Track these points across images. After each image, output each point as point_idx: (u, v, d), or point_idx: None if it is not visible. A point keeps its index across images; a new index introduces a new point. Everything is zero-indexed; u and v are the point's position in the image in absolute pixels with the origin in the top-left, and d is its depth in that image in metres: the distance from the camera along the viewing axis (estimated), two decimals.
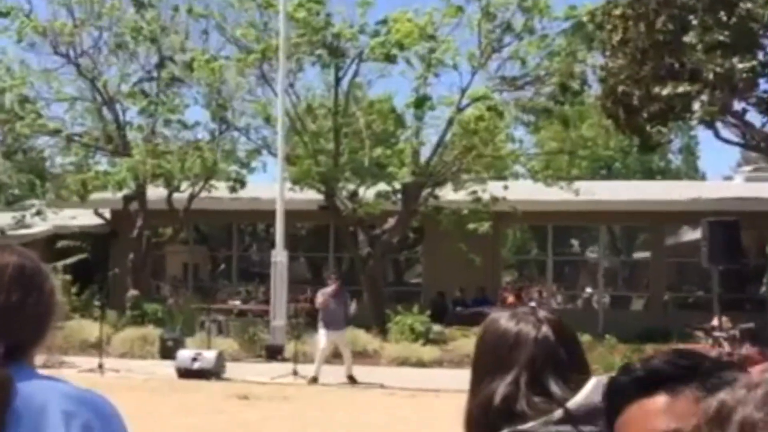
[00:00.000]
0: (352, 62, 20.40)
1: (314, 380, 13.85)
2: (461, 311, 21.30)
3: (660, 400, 1.14)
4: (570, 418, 1.70)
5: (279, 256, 17.57)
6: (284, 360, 15.70)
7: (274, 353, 16.42)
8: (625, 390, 1.18)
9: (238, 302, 22.99)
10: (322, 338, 14.17)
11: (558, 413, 1.71)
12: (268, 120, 21.09)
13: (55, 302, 1.70)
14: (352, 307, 17.24)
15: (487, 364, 1.84)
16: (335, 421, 10.70)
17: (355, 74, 20.64)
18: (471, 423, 1.82)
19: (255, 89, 21.59)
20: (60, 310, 1.73)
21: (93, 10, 22.13)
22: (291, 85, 20.53)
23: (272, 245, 18.46)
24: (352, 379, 14.02)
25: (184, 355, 14.53)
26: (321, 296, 14.40)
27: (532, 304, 19.91)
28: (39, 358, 1.71)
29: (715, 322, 12.24)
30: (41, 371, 1.67)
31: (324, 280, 22.24)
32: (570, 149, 22.06)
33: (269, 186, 20.30)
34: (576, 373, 1.80)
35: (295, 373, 13.90)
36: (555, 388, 1.75)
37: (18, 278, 1.64)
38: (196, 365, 14.08)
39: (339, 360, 14.40)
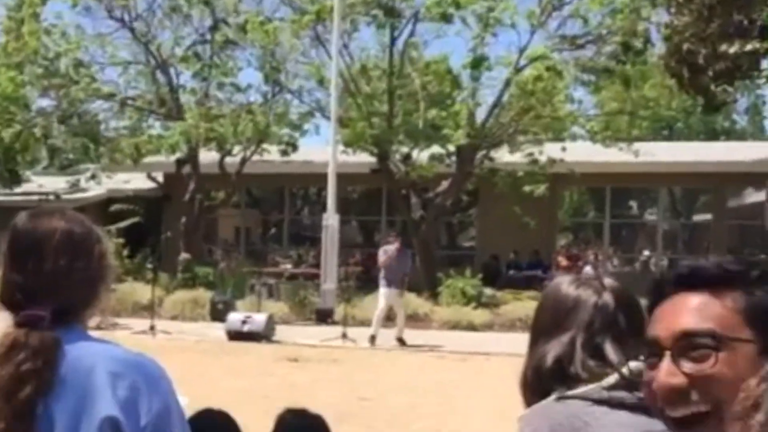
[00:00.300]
0: (408, 22, 20.18)
1: (373, 339, 13.84)
2: (514, 275, 21.14)
3: (698, 298, 1.11)
4: (625, 383, 1.64)
5: (330, 219, 17.54)
6: (334, 323, 15.71)
7: (323, 316, 16.44)
8: (666, 285, 1.16)
9: (288, 266, 23.10)
10: (382, 297, 14.13)
11: (612, 378, 1.66)
12: (321, 82, 20.97)
13: (107, 265, 1.75)
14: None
15: (544, 326, 1.82)
16: (385, 383, 10.67)
17: (411, 34, 20.42)
18: (525, 385, 1.80)
19: (309, 51, 21.52)
20: (112, 273, 1.77)
21: None
22: (345, 47, 20.36)
23: (324, 209, 18.43)
24: (401, 342, 13.98)
25: (235, 317, 14.60)
26: (383, 254, 14.27)
27: (588, 267, 19.66)
28: (92, 321, 1.76)
29: None
30: (93, 333, 1.72)
31: (376, 243, 22.36)
32: (631, 110, 21.53)
33: (322, 149, 20.27)
34: (636, 340, 1.68)
35: (344, 336, 13.88)
36: (611, 353, 1.72)
37: (66, 243, 1.68)
38: (246, 328, 14.15)
39: (390, 323, 14.35)
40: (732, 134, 40.91)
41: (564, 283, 1.87)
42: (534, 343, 1.82)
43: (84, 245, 1.70)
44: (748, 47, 16.26)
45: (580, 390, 1.67)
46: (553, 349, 1.76)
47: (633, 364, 1.65)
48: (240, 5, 22.06)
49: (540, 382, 1.75)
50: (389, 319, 14.34)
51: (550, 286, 1.93)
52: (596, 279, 1.87)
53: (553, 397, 1.70)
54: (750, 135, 41.83)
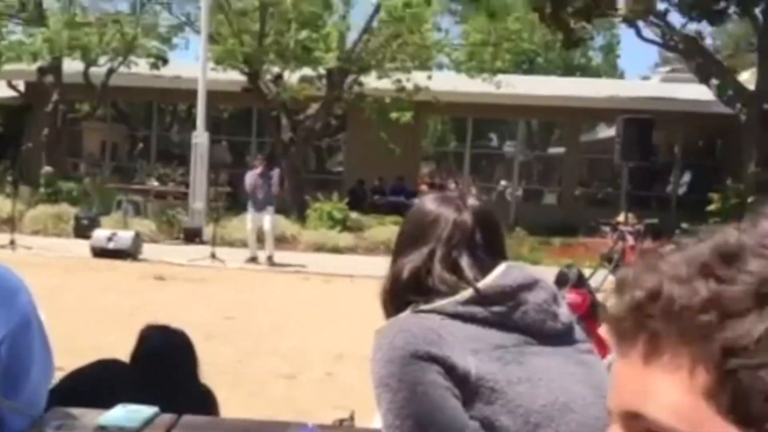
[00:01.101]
0: None
1: (253, 260, 14.01)
2: (379, 200, 21.34)
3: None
4: (479, 298, 1.68)
5: (200, 137, 17.15)
6: (202, 243, 15.52)
7: (192, 236, 16.19)
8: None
9: (156, 183, 22.57)
10: (248, 220, 14.22)
11: (467, 293, 1.69)
12: None
13: None
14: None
15: (405, 241, 1.83)
16: (252, 303, 10.69)
17: None
18: (385, 298, 1.80)
19: None
20: None
21: None
22: None
23: (193, 126, 17.99)
24: (271, 261, 14.07)
25: (100, 234, 14.20)
26: (248, 178, 14.26)
27: None
28: None
29: (621, 217, 12.53)
30: None
31: (246, 163, 22.09)
32: (494, 41, 21.79)
33: (192, 65, 19.67)
34: (492, 259, 1.77)
35: (212, 256, 13.74)
36: (467, 268, 1.73)
37: None
38: (112, 245, 13.80)
39: (259, 245, 14.36)
40: (588, 71, 42.06)
41: (427, 200, 1.88)
42: (395, 258, 1.83)
43: None
44: None
45: (436, 304, 1.68)
46: (411, 262, 1.76)
47: (486, 280, 1.71)
48: None
49: (399, 295, 1.76)
50: (260, 240, 14.34)
51: (415, 204, 1.93)
52: (458, 198, 1.87)
53: (409, 310, 1.71)
54: (604, 72, 43.17)
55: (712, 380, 0.60)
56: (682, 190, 24.02)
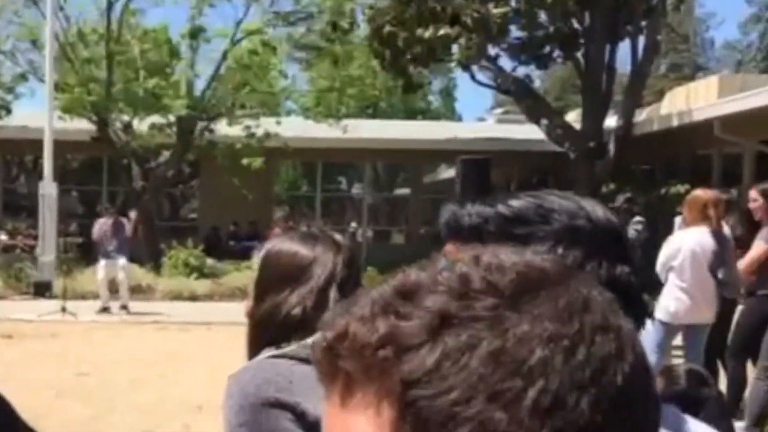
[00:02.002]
0: None
1: (105, 310, 13.41)
2: (234, 245, 20.92)
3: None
4: None
5: (48, 188, 16.31)
6: (53, 297, 14.66)
7: (42, 290, 15.27)
8: None
9: (3, 236, 21.28)
10: (99, 269, 13.62)
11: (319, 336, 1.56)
12: (35, 43, 19.39)
13: None
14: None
15: (271, 282, 1.78)
16: (106, 357, 10.10)
17: (129, 0, 19.36)
18: (254, 337, 1.77)
19: (22, 10, 19.75)
20: None
21: None
22: (61, 8, 18.93)
23: (41, 177, 17.09)
24: (125, 310, 13.55)
25: None
26: (97, 227, 13.79)
27: None
28: None
29: None
30: None
31: (98, 213, 21.13)
32: (339, 87, 21.92)
33: (38, 114, 18.73)
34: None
35: (63, 310, 12.97)
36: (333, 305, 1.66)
37: None
38: None
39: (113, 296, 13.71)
40: (428, 114, 43.01)
41: (292, 240, 1.83)
42: (262, 298, 1.77)
43: None
44: (441, 32, 16.98)
45: (288, 348, 1.65)
46: (280, 303, 1.72)
47: None
48: None
49: (271, 331, 1.72)
50: (114, 291, 13.72)
51: (277, 243, 1.86)
52: (325, 235, 1.85)
53: (263, 355, 1.69)
54: (443, 115, 44.26)
55: (396, 414, 0.59)
56: None
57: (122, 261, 13.61)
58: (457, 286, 0.62)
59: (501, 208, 1.13)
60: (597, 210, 1.11)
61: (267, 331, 1.73)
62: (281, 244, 1.84)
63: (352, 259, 1.82)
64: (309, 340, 1.61)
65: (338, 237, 1.86)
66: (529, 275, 0.63)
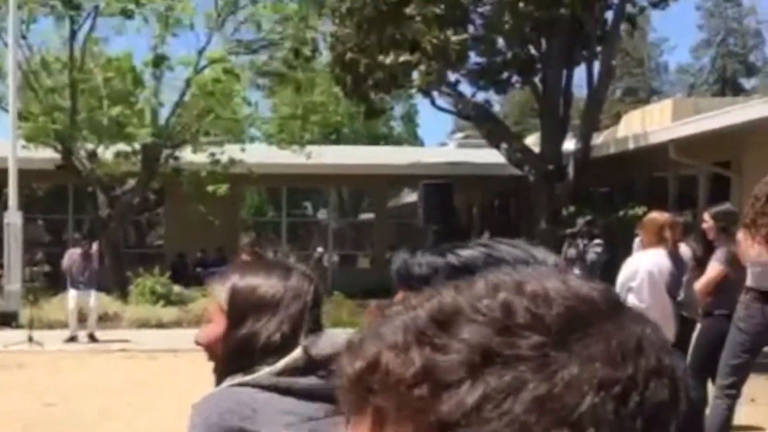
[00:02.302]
0: (88, 16, 18.98)
1: (72, 339, 13.31)
2: (201, 272, 20.75)
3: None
4: (302, 367, 1.64)
5: (12, 217, 16.11)
6: (19, 327, 14.43)
7: (8, 320, 15.03)
8: None
9: None
10: (70, 299, 13.52)
11: (282, 363, 1.65)
12: None
13: None
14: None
15: (250, 308, 1.75)
16: (73, 386, 9.96)
17: (92, 29, 19.25)
18: (225, 364, 1.74)
19: None
20: None
21: None
22: (24, 37, 18.79)
23: (5, 206, 16.89)
24: (92, 338, 13.45)
25: None
26: (68, 258, 13.72)
27: None
28: None
29: None
30: None
31: (64, 241, 20.99)
32: (302, 114, 21.98)
33: (1, 143, 18.54)
34: (317, 325, 1.77)
35: (30, 339, 12.79)
36: (303, 335, 1.71)
37: None
38: None
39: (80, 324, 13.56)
40: (390, 139, 43.17)
41: (258, 269, 1.83)
42: (234, 326, 1.74)
43: None
44: (402, 59, 17.10)
45: (251, 377, 1.64)
46: (256, 329, 1.71)
47: (319, 346, 1.67)
48: None
49: (237, 362, 1.71)
50: (82, 320, 13.58)
51: (243, 273, 1.83)
52: (289, 265, 1.85)
53: (226, 383, 1.68)
54: (405, 140, 44.45)
55: None
56: None
57: (93, 292, 13.56)
58: (500, 318, 0.57)
59: (451, 258, 1.14)
60: (548, 258, 1.12)
61: (242, 357, 1.72)
62: (254, 273, 1.83)
63: (317, 289, 1.84)
64: (278, 366, 1.63)
65: (304, 267, 1.89)
66: (578, 309, 0.58)
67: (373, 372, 0.58)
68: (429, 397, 0.55)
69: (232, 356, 1.74)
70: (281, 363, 1.64)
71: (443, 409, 0.54)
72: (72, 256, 13.64)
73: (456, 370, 0.55)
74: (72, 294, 13.52)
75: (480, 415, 0.53)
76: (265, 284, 1.78)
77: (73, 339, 13.37)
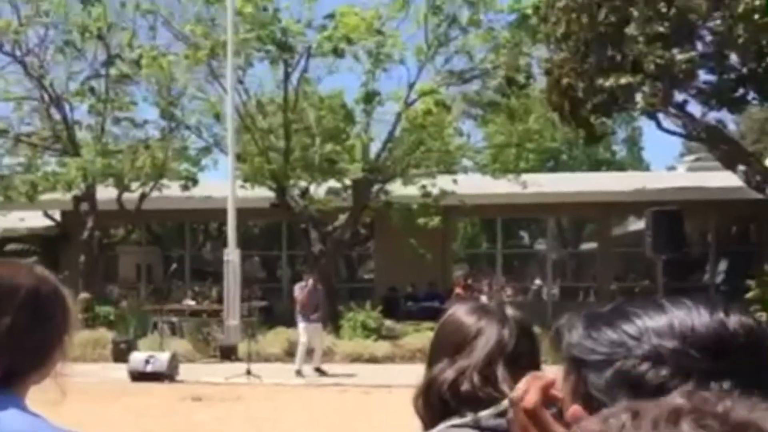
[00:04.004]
0: (301, 57, 20.09)
1: (299, 373, 14.08)
2: (412, 306, 21.23)
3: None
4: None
5: (231, 254, 17.27)
6: (238, 360, 15.49)
7: (227, 353, 16.18)
8: None
9: (191, 302, 22.64)
10: (302, 332, 14.40)
11: (505, 403, 1.62)
12: (218, 117, 20.78)
13: (66, 332, 1.61)
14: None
15: (440, 350, 1.82)
16: (289, 420, 10.56)
17: (305, 70, 20.33)
18: (418, 406, 1.79)
19: (204, 86, 21.27)
20: (69, 341, 1.62)
21: (39, 7, 21.59)
22: (240, 82, 20.17)
23: (225, 244, 18.17)
24: (320, 371, 14.24)
25: (137, 357, 14.24)
26: (298, 290, 14.64)
27: (483, 297, 19.89)
28: None
29: None
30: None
31: (278, 277, 22.20)
32: (517, 142, 22.05)
33: (221, 184, 20.04)
34: (528, 369, 1.70)
35: (248, 372, 13.70)
36: (502, 381, 1.73)
37: (29, 302, 1.54)
38: (149, 368, 13.81)
39: (292, 359, 14.32)
40: (613, 164, 42.17)
41: (465, 311, 1.87)
42: (430, 365, 1.82)
43: (47, 307, 1.57)
44: (623, 81, 16.78)
45: (471, 417, 1.66)
46: (447, 372, 1.76)
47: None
48: (134, 40, 21.67)
49: (433, 404, 1.75)
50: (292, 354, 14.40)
51: (450, 312, 1.91)
52: (498, 307, 1.88)
53: (446, 423, 1.70)
54: (629, 165, 43.26)
55: None
56: (719, 279, 23.69)
57: (319, 326, 14.49)
58: None
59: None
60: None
61: (429, 400, 1.76)
62: (454, 312, 1.89)
63: (522, 331, 1.83)
64: (492, 409, 1.64)
65: (510, 310, 1.88)
66: None
67: None
68: None
69: (423, 398, 1.79)
70: (504, 404, 1.62)
71: None
72: (303, 290, 14.52)
73: None
74: (302, 327, 14.40)
75: None
76: (456, 325, 1.84)
77: (299, 373, 14.11)
